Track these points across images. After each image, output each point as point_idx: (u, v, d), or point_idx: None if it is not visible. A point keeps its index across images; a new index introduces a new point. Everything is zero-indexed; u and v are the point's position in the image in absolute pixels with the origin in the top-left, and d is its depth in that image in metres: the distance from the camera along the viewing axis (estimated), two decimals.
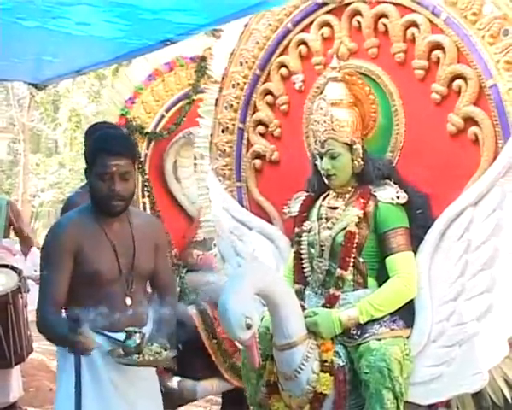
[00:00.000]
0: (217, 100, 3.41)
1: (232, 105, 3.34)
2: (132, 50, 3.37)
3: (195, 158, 4.34)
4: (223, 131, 3.39)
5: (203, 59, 4.51)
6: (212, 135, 3.44)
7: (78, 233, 2.35)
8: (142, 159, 4.33)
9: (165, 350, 2.39)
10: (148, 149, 4.43)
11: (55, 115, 16.95)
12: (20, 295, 4.26)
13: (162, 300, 2.54)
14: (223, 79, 3.37)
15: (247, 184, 3.34)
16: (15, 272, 4.29)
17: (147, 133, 4.38)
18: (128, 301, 2.42)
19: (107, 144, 2.37)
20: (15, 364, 4.33)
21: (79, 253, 2.33)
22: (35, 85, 4.33)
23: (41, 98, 14.93)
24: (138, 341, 2.32)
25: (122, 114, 4.29)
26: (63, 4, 2.66)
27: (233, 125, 3.35)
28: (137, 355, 2.33)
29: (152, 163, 4.39)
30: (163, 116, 4.45)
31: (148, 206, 4.37)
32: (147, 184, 4.36)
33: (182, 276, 4.20)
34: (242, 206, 3.34)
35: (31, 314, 3.76)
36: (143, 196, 4.37)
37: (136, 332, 2.33)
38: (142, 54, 3.72)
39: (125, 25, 2.85)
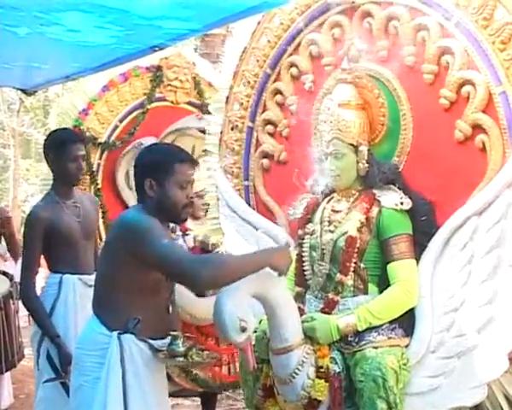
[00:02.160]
0: (227, 97, 3.39)
1: (242, 103, 3.33)
2: (122, 56, 3.42)
3: None
4: (232, 129, 3.38)
5: (159, 68, 4.61)
6: (221, 132, 3.44)
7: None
8: (94, 168, 4.42)
9: (202, 351, 2.44)
10: (100, 158, 4.50)
11: (45, 120, 16.91)
12: (11, 301, 4.24)
13: None
14: (234, 76, 3.36)
15: (254, 183, 3.32)
16: (7, 277, 4.29)
17: (99, 144, 4.44)
18: (170, 308, 2.45)
19: (183, 156, 2.41)
20: (6, 370, 4.32)
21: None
22: (24, 91, 4.39)
23: (31, 104, 14.98)
24: (183, 344, 2.35)
25: (75, 126, 4.34)
26: (54, 11, 2.69)
27: (242, 123, 3.34)
28: (184, 358, 2.36)
29: (105, 173, 4.46)
30: (117, 126, 4.52)
31: (99, 215, 4.35)
32: (99, 193, 4.44)
33: None
34: (249, 205, 3.33)
35: (22, 320, 3.75)
36: None
37: (180, 336, 2.36)
38: (131, 60, 3.77)
39: (117, 31, 2.87)
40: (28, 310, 3.15)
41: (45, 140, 3.27)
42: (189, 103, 4.78)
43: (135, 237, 2.26)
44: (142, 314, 2.31)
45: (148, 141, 4.36)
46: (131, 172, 4.39)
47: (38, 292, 3.14)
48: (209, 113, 4.65)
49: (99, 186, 4.48)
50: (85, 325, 2.50)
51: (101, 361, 2.32)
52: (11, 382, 4.68)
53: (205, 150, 3.98)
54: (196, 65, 4.82)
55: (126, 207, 4.38)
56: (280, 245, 2.42)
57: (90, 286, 3.17)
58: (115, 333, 2.30)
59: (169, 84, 4.69)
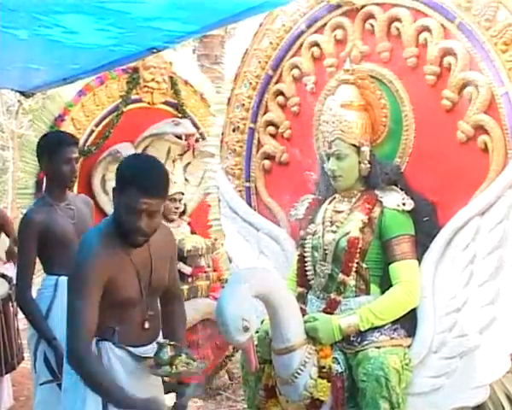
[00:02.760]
0: (229, 99, 3.40)
1: (244, 104, 3.33)
2: (120, 58, 3.41)
3: None
4: (234, 131, 3.39)
5: (135, 70, 4.57)
6: (223, 134, 3.44)
7: (108, 264, 2.26)
8: None
9: (194, 361, 2.35)
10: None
11: None
12: (10, 303, 4.19)
13: (174, 308, 2.53)
14: (235, 78, 3.36)
15: (255, 184, 3.33)
16: (6, 279, 4.24)
17: None
18: (146, 324, 2.37)
19: (147, 183, 2.21)
20: (6, 372, 4.28)
21: (109, 282, 2.27)
22: (23, 93, 4.36)
23: (29, 106, 14.93)
24: (170, 352, 2.32)
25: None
26: (52, 13, 2.68)
27: (244, 124, 3.34)
28: (169, 367, 2.32)
29: (80, 178, 4.39)
30: (92, 131, 4.46)
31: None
32: None
33: None
34: (250, 206, 3.33)
35: (21, 322, 3.71)
36: None
37: (168, 344, 2.32)
38: (129, 62, 3.77)
39: (116, 32, 2.87)
40: (24, 313, 3.12)
41: (38, 142, 3.24)
42: (166, 103, 4.75)
43: (74, 270, 2.27)
44: (117, 326, 2.29)
45: (124, 147, 4.39)
46: (107, 177, 4.44)
47: (34, 294, 3.13)
48: (184, 114, 4.69)
49: (74, 192, 4.42)
50: None
51: None
52: (11, 384, 4.64)
53: (180, 154, 4.00)
54: (173, 64, 4.76)
55: (102, 211, 4.35)
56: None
57: None
58: (94, 340, 2.27)
59: (145, 86, 4.65)
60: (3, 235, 4.72)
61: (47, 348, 2.97)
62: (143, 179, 2.21)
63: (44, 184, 3.31)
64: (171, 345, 2.31)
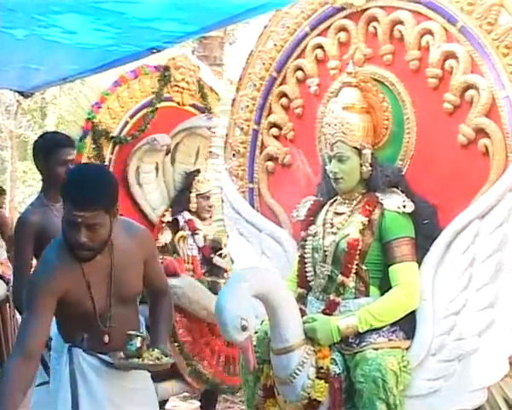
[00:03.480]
0: (233, 100, 3.41)
1: (248, 106, 3.34)
2: (119, 58, 3.41)
3: (157, 164, 4.56)
4: (238, 132, 3.39)
5: (167, 68, 4.60)
6: (227, 135, 3.45)
7: (62, 279, 2.24)
8: (106, 163, 4.37)
9: (166, 356, 2.36)
10: (112, 153, 4.46)
11: (42, 122, 16.92)
12: (8, 305, 4.20)
13: (158, 302, 2.54)
14: (240, 79, 3.37)
15: (258, 185, 3.34)
16: (4, 281, 4.24)
17: (112, 137, 4.42)
18: (106, 338, 2.33)
19: (75, 194, 2.16)
20: None
21: (64, 296, 2.26)
22: (22, 93, 4.37)
23: (28, 105, 14.95)
24: (139, 344, 2.31)
25: (88, 118, 4.33)
26: (51, 13, 2.69)
27: (248, 125, 3.35)
28: (137, 359, 2.32)
29: (116, 167, 4.40)
30: (127, 122, 4.49)
31: None
32: None
33: None
34: (253, 207, 3.33)
35: (19, 323, 3.72)
36: None
37: (137, 336, 2.32)
38: (128, 62, 3.75)
39: (114, 33, 2.89)
40: (20, 314, 3.14)
41: (35, 143, 3.25)
42: (194, 106, 4.77)
43: (30, 280, 2.30)
44: (84, 333, 2.30)
45: (162, 137, 4.43)
46: (141, 169, 4.50)
47: None
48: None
49: None
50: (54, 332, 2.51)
51: (57, 367, 2.36)
52: None
53: (211, 151, 3.99)
54: (200, 69, 4.84)
55: (135, 203, 4.43)
56: None
57: None
58: (66, 345, 2.32)
59: (176, 85, 4.68)
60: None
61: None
62: (74, 192, 2.17)
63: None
64: (140, 336, 2.31)
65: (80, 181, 2.21)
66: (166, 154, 4.56)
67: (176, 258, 4.29)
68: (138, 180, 4.52)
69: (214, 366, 4.10)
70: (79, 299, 2.27)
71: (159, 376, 3.85)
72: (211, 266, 4.14)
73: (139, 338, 2.31)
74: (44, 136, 3.42)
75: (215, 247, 4.08)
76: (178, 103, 4.72)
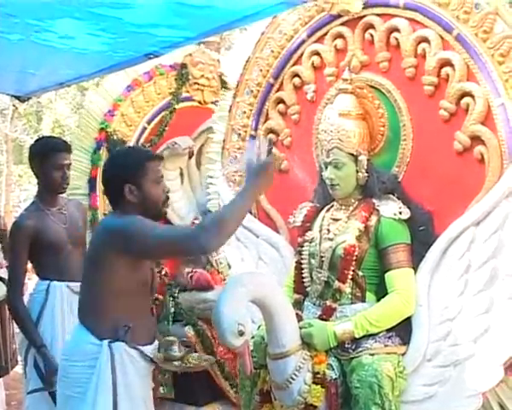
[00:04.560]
0: (231, 106, 3.43)
1: (245, 112, 3.36)
2: (116, 63, 3.39)
3: (181, 170, 4.35)
4: (235, 138, 3.41)
5: (184, 66, 4.38)
6: (224, 140, 3.47)
7: None
8: None
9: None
10: None
11: (38, 126, 16.84)
12: (6, 307, 4.07)
13: None
14: (237, 85, 3.40)
15: None
16: (3, 282, 4.17)
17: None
18: (154, 310, 2.50)
19: (150, 153, 2.53)
20: (0, 376, 4.27)
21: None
22: (18, 97, 4.28)
23: (24, 109, 14.90)
24: (179, 348, 2.38)
25: (102, 128, 4.14)
26: (47, 18, 2.70)
27: (245, 131, 3.37)
28: (179, 362, 2.38)
29: None
30: (145, 128, 4.29)
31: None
32: None
33: (175, 296, 4.04)
34: (250, 213, 3.34)
35: (16, 326, 3.71)
36: None
37: (176, 341, 2.38)
38: (125, 67, 3.69)
39: (109, 38, 2.89)
40: (14, 319, 3.13)
41: (31, 147, 3.25)
42: (217, 103, 4.35)
43: (131, 236, 2.24)
44: (131, 320, 2.30)
45: (182, 139, 4.22)
46: (165, 176, 4.35)
47: (27, 298, 3.13)
48: None
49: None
50: (71, 335, 2.47)
51: (90, 371, 2.28)
52: (4, 388, 4.63)
53: None
54: (221, 62, 4.54)
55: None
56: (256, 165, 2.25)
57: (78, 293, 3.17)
58: (106, 342, 2.27)
59: (195, 83, 4.43)
60: None
61: (37, 353, 2.99)
62: (147, 153, 2.54)
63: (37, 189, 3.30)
64: (180, 341, 2.38)
65: (138, 148, 2.87)
66: (190, 157, 4.36)
67: (208, 270, 4.13)
68: None
69: None
70: (144, 266, 2.38)
71: (199, 399, 3.85)
72: None
73: (178, 343, 2.37)
74: (40, 140, 3.42)
75: None
76: (200, 102, 4.47)
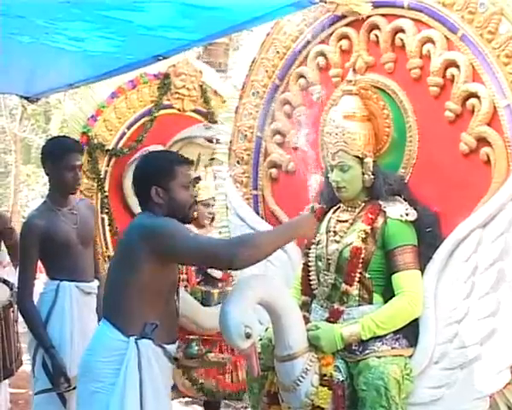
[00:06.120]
0: (237, 107, 3.43)
1: (251, 113, 3.36)
2: (125, 65, 3.43)
3: None
4: (242, 139, 3.42)
5: (166, 76, 4.58)
6: (231, 142, 3.47)
7: None
8: (102, 176, 4.40)
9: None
10: (108, 165, 4.48)
11: (46, 126, 16.96)
12: (11, 310, 4.17)
13: None
14: (243, 86, 3.40)
15: (262, 192, 3.36)
16: (7, 285, 4.25)
17: (107, 150, 4.42)
18: (178, 311, 2.52)
19: (180, 157, 2.55)
20: (5, 378, 4.28)
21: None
22: (27, 98, 4.39)
23: (32, 109, 15.01)
24: (198, 347, 2.42)
25: (83, 132, 4.33)
26: (57, 20, 2.72)
27: (251, 133, 3.38)
28: (199, 359, 2.42)
29: (112, 180, 4.43)
30: (124, 133, 4.50)
31: (106, 222, 4.44)
32: (105, 200, 4.43)
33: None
34: (258, 214, 3.36)
35: (21, 326, 3.72)
36: (102, 212, 4.45)
37: (196, 340, 2.42)
38: (134, 68, 3.78)
39: (119, 40, 2.90)
40: (24, 318, 3.15)
41: (43, 147, 3.27)
42: (196, 111, 4.78)
43: (161, 236, 2.30)
44: (158, 319, 2.34)
45: (156, 149, 4.29)
46: None
47: (36, 298, 3.16)
48: (215, 121, 4.59)
49: (106, 193, 4.49)
50: (97, 332, 2.51)
51: (116, 367, 2.32)
52: (10, 387, 4.65)
53: (212, 159, 4.01)
54: (203, 73, 4.81)
55: (133, 214, 4.36)
56: (303, 214, 2.59)
57: (88, 293, 3.20)
58: (132, 338, 2.32)
59: (176, 92, 4.68)
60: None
61: (45, 354, 3.02)
62: (178, 157, 2.56)
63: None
64: (198, 339, 2.41)
65: (170, 152, 2.76)
66: None
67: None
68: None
69: (206, 375, 4.02)
70: (173, 269, 2.43)
71: None
72: (205, 276, 4.06)
73: (197, 341, 2.40)
74: (53, 140, 3.45)
75: None
76: (179, 110, 4.73)
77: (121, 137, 4.52)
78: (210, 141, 4.40)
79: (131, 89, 4.51)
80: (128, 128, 4.52)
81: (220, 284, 4.13)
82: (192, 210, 2.48)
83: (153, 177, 2.42)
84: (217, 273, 4.06)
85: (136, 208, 4.33)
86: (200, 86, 4.79)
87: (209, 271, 4.01)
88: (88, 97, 4.50)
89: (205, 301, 3.93)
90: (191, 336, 2.41)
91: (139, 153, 4.46)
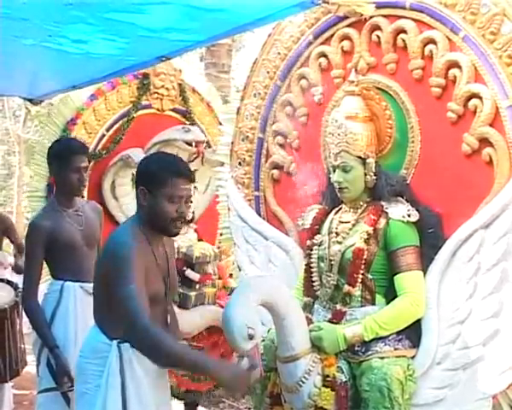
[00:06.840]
0: (238, 109, 3.44)
1: (253, 114, 3.37)
2: (128, 66, 3.43)
3: (133, 176, 4.43)
4: (243, 140, 3.42)
5: (146, 76, 4.55)
6: (232, 143, 3.47)
7: (143, 257, 2.31)
8: None
9: None
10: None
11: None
12: (16, 311, 4.16)
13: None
14: (245, 88, 3.40)
15: (264, 193, 3.36)
16: (11, 286, 4.23)
17: None
18: (168, 319, 2.46)
19: (181, 168, 2.37)
20: (10, 379, 4.28)
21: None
22: (30, 100, 4.38)
23: (36, 111, 14.99)
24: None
25: (62, 136, 4.25)
26: (61, 23, 2.72)
27: (253, 134, 3.38)
28: None
29: (90, 183, 4.29)
30: (103, 135, 4.46)
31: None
32: None
33: None
34: (259, 215, 3.36)
35: (25, 326, 3.71)
36: None
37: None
38: (137, 70, 3.82)
39: (122, 42, 2.90)
40: (28, 318, 3.16)
41: (49, 149, 3.27)
42: (175, 110, 4.74)
43: (113, 264, 2.26)
44: None
45: (135, 152, 4.35)
46: (117, 183, 4.44)
47: (41, 298, 3.16)
48: (193, 120, 4.69)
49: (84, 196, 4.43)
50: (88, 334, 2.50)
51: (101, 369, 2.32)
52: (15, 388, 4.65)
53: (190, 161, 4.01)
54: (182, 71, 4.77)
55: (111, 217, 4.34)
56: (239, 369, 2.23)
57: (92, 294, 3.20)
58: (115, 342, 2.31)
59: (155, 92, 4.64)
60: (7, 240, 4.74)
61: (50, 354, 3.02)
62: (179, 166, 2.37)
63: (54, 190, 3.34)
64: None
65: (175, 160, 2.44)
66: None
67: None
68: (114, 193, 4.49)
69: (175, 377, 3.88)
70: (155, 279, 2.36)
71: None
72: (182, 279, 3.97)
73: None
74: (59, 142, 3.45)
75: (187, 260, 4.02)
76: (158, 109, 4.69)
77: (100, 140, 4.45)
78: (189, 144, 4.36)
79: (110, 90, 4.46)
80: (107, 130, 4.46)
81: (197, 286, 4.08)
82: (175, 225, 2.35)
83: (144, 177, 2.37)
84: (194, 275, 4.04)
85: (114, 211, 4.40)
86: (179, 85, 4.74)
87: (186, 273, 3.98)
88: (67, 100, 4.42)
89: (182, 303, 3.89)
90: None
91: (119, 156, 4.42)
